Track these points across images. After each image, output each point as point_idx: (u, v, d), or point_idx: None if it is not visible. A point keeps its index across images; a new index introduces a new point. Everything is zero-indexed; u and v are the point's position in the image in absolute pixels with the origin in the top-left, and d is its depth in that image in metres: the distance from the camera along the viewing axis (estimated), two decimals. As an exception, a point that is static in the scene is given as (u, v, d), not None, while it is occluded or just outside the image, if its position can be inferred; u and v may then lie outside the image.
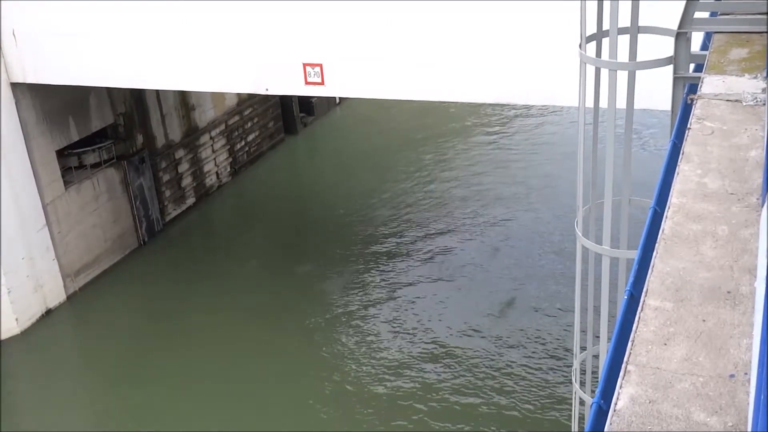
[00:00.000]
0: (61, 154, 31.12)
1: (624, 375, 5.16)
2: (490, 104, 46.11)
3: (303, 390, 25.80)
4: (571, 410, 15.80)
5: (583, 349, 14.81)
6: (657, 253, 6.53)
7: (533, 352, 26.44)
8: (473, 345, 27.00)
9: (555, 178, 38.17)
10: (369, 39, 23.29)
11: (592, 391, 13.98)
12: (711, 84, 9.71)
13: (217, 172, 40.56)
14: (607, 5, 11.92)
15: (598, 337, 13.93)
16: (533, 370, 25.58)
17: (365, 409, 24.68)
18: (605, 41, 12.40)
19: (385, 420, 24.13)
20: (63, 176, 31.14)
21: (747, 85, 9.53)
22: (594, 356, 14.87)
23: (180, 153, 37.66)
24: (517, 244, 33.26)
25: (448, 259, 32.66)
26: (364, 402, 24.94)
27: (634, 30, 12.54)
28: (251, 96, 41.89)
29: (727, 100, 9.19)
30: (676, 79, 11.17)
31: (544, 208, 35.89)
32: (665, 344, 5.40)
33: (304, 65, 24.12)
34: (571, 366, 15.99)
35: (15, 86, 28.35)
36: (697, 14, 11.12)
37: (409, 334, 27.93)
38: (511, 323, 28.04)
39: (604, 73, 12.52)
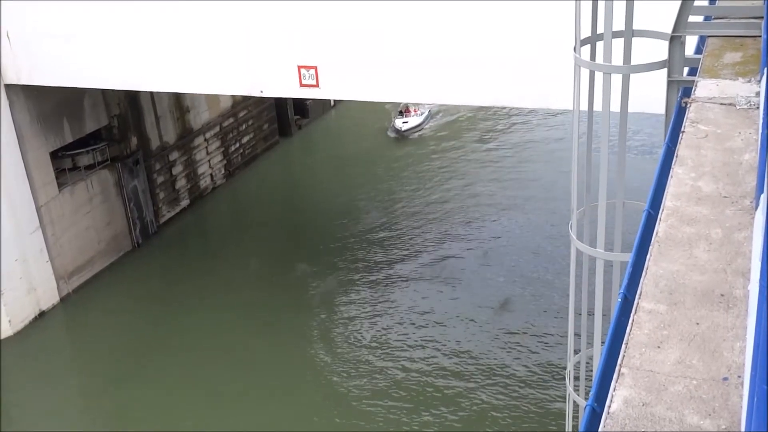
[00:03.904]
0: (54, 155, 31.05)
1: (618, 378, 5.16)
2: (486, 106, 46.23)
3: (297, 388, 25.75)
4: (565, 413, 15.79)
5: (577, 351, 14.81)
6: (651, 256, 6.53)
7: (528, 355, 26.43)
8: (469, 346, 26.98)
9: (550, 181, 38.22)
10: (364, 42, 23.29)
11: (586, 394, 13.98)
12: (705, 87, 9.72)
13: (211, 174, 40.50)
14: (601, 8, 11.93)
15: (590, 345, 13.93)
16: (528, 373, 25.58)
17: (360, 408, 24.64)
18: (599, 44, 12.41)
19: (380, 419, 24.10)
20: (57, 178, 31.06)
21: (741, 88, 9.54)
22: (588, 359, 14.87)
23: (174, 155, 37.61)
24: (513, 245, 33.28)
25: (444, 259, 32.64)
26: (359, 401, 24.91)
27: (629, 33, 12.55)
28: (246, 98, 41.86)
29: (721, 104, 9.20)
30: (670, 83, 11.19)
31: (540, 211, 35.92)
32: (659, 347, 5.40)
33: (299, 67, 24.12)
34: (565, 369, 15.99)
35: (9, 88, 28.29)
36: (692, 18, 11.14)
37: (404, 333, 27.91)
38: (506, 325, 28.04)
39: (599, 76, 12.53)
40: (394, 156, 44.21)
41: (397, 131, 46.46)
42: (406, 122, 46.76)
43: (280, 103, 45.53)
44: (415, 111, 47.91)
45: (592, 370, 13.69)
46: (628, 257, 7.31)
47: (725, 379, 5.04)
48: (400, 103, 48.49)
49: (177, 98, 37.34)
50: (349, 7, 23.04)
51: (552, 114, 46.25)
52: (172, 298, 31.40)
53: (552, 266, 31.10)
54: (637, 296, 6.04)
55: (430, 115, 48.75)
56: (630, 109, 12.86)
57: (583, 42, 12.71)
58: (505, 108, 47.77)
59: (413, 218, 36.39)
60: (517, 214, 35.97)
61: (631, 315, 5.83)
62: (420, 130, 46.93)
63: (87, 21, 25.94)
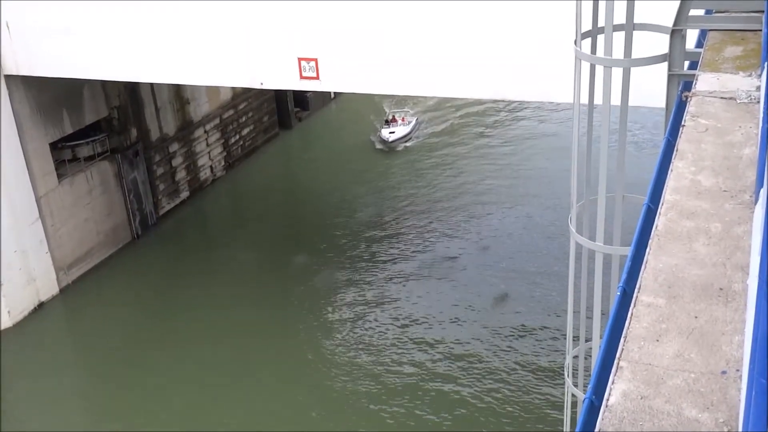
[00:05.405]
0: (54, 146, 31.02)
1: (616, 371, 5.17)
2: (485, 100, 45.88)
3: (294, 384, 25.77)
4: (563, 406, 15.81)
5: (576, 344, 14.82)
6: (650, 249, 6.53)
7: (527, 349, 26.44)
8: (468, 340, 26.99)
9: (549, 174, 38.18)
10: (364, 34, 23.24)
11: (585, 387, 13.99)
12: (705, 81, 9.71)
13: (211, 166, 40.48)
14: (602, 2, 11.90)
15: (589, 338, 13.94)
16: (527, 368, 25.60)
17: (357, 405, 24.67)
18: (600, 38, 12.39)
19: (376, 417, 24.13)
20: (56, 169, 31.04)
21: (741, 82, 9.54)
22: (587, 352, 14.89)
23: (174, 146, 37.59)
24: (510, 241, 33.28)
25: (441, 253, 32.65)
26: (355, 398, 24.93)
27: (630, 27, 12.53)
28: (246, 90, 41.81)
29: (722, 98, 9.19)
30: (670, 77, 11.19)
31: (538, 205, 35.92)
32: (657, 340, 5.41)
33: (300, 60, 24.08)
34: (564, 362, 16.00)
35: (9, 78, 28.24)
36: (693, 12, 11.13)
37: (399, 329, 27.92)
38: (505, 321, 28.04)
39: (599, 69, 12.51)
40: (394, 151, 44.09)
41: (384, 142, 44.01)
42: (393, 132, 44.29)
43: (280, 95, 45.48)
44: (402, 120, 45.61)
45: (590, 364, 13.70)
46: (628, 251, 7.31)
47: (724, 372, 5.05)
48: (386, 112, 47.64)
49: (177, 90, 37.29)
50: (350, 0, 22.99)
51: (547, 120, 45.67)
52: (171, 289, 31.41)
53: (551, 262, 31.09)
54: (636, 290, 6.04)
55: (418, 124, 46.41)
56: (630, 103, 12.84)
57: (584, 35, 12.69)
58: (501, 112, 47.31)
59: (413, 214, 36.37)
60: (517, 217, 35.96)
61: (630, 308, 5.83)
62: (408, 141, 44.56)
63: (87, 11, 25.88)
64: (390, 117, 46.03)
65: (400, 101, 49.31)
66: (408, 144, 44.32)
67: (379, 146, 44.30)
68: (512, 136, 44.65)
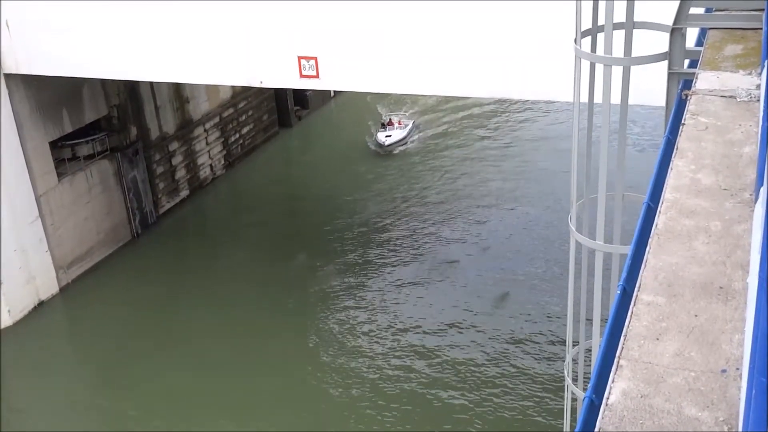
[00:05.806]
0: (54, 145, 31.02)
1: (616, 369, 5.16)
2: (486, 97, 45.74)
3: (295, 383, 25.78)
4: (563, 408, 15.81)
5: (575, 343, 14.82)
6: (650, 248, 6.52)
7: (526, 354, 26.40)
8: (466, 346, 26.94)
9: (550, 173, 38.15)
10: (364, 32, 23.23)
11: (585, 386, 13.97)
12: (705, 80, 9.70)
13: (211, 165, 40.47)
14: (602, 1, 11.89)
15: (589, 337, 13.93)
16: (526, 372, 25.58)
17: (355, 405, 24.66)
18: (600, 36, 12.38)
19: (374, 420, 24.11)
20: (56, 168, 31.04)
21: (741, 81, 9.53)
22: (586, 351, 14.88)
23: (174, 145, 37.58)
24: (510, 239, 33.25)
25: (440, 253, 32.62)
26: (354, 398, 24.92)
27: (630, 25, 12.51)
28: (246, 89, 41.78)
29: (722, 96, 9.18)
30: (670, 75, 11.18)
31: (539, 206, 35.90)
32: (657, 339, 5.40)
33: (299, 58, 24.06)
34: (564, 362, 15.99)
35: (8, 77, 28.22)
36: (693, 10, 11.12)
37: (399, 331, 27.90)
38: (503, 324, 27.99)
39: (599, 68, 12.50)
40: (390, 154, 44.05)
41: (380, 145, 43.36)
42: (389, 136, 43.64)
43: (279, 93, 45.45)
44: (399, 123, 45.11)
45: (590, 362, 13.69)
46: (628, 249, 7.31)
47: (724, 371, 5.04)
48: (382, 115, 47.24)
49: (177, 88, 37.28)
50: (349, -2, 23.00)
51: (547, 121, 45.48)
52: (171, 288, 31.40)
53: (551, 263, 31.07)
54: (636, 288, 6.04)
55: (415, 127, 45.92)
56: (630, 102, 12.83)
57: (584, 34, 12.68)
58: (500, 113, 47.20)
59: (413, 215, 36.33)
60: (518, 218, 35.94)
61: (630, 307, 5.83)
62: (404, 144, 43.94)
63: (87, 10, 25.86)
64: (386, 120, 45.53)
65: (397, 102, 49.22)
66: (404, 147, 43.82)
67: (374, 149, 43.73)
68: (512, 137, 44.50)
